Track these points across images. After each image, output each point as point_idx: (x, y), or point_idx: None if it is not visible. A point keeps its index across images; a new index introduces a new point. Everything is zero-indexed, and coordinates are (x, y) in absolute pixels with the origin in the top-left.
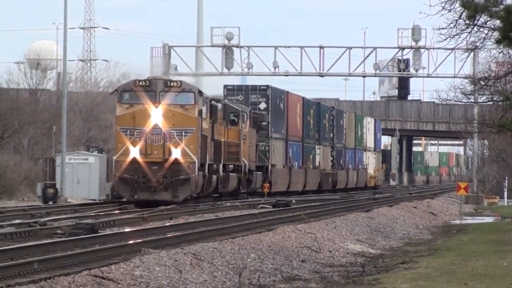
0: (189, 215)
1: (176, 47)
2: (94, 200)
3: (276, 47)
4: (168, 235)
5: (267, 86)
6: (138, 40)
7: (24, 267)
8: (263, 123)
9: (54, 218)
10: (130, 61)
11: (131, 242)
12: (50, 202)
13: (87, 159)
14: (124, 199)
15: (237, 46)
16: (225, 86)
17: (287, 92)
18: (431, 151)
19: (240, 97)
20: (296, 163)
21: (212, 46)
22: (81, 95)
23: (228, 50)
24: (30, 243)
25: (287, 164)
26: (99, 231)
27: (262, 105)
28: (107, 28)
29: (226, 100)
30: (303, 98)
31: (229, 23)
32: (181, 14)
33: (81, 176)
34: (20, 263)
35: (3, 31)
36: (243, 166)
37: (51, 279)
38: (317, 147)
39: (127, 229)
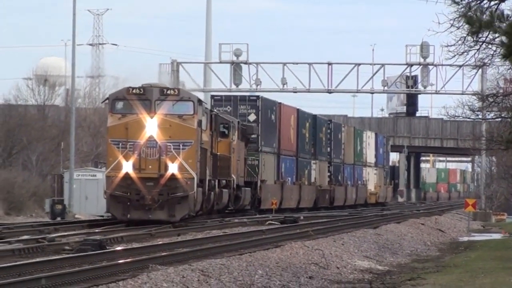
0: (196, 231)
1: (184, 64)
2: (102, 216)
3: (284, 64)
4: (176, 252)
5: (257, 97)
6: (147, 56)
7: (32, 283)
8: (252, 136)
9: (62, 234)
10: (138, 77)
11: (138, 258)
12: (58, 218)
13: (95, 175)
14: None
15: (245, 63)
16: (212, 96)
17: (280, 103)
18: (428, 167)
19: (229, 108)
20: (289, 178)
21: (220, 62)
22: (89, 111)
23: (236, 67)
24: (38, 259)
25: (279, 179)
26: (107, 247)
27: (252, 117)
28: (115, 45)
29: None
30: (298, 110)
31: (237, 40)
32: (190, 31)
33: (89, 192)
34: (28, 279)
35: (12, 47)
36: (232, 181)
37: None
38: (313, 162)
39: (135, 245)
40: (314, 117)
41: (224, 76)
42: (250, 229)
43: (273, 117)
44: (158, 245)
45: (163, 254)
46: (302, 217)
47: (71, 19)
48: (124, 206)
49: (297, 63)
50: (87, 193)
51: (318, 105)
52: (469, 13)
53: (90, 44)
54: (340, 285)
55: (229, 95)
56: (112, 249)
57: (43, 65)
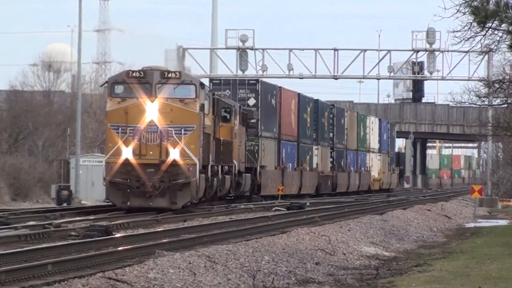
0: (203, 217)
1: (190, 49)
2: (108, 202)
3: (290, 50)
4: (182, 238)
5: (257, 81)
6: (153, 42)
7: (38, 269)
8: (252, 121)
9: (68, 220)
10: (144, 63)
11: (145, 244)
12: (64, 204)
13: (102, 161)
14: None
15: (251, 49)
16: (210, 80)
17: (280, 87)
18: (433, 153)
19: (228, 92)
20: (290, 164)
21: (226, 48)
22: (95, 97)
23: (242, 53)
24: (44, 245)
25: (279, 165)
26: (113, 233)
27: (251, 101)
28: (121, 31)
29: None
30: (299, 94)
31: (243, 25)
32: (196, 17)
33: (96, 178)
34: (34, 265)
35: (19, 33)
36: (234, 167)
37: (65, 282)
38: (314, 147)
39: (141, 231)
40: (316, 101)
41: (230, 62)
42: (256, 215)
43: (273, 101)
44: (164, 231)
45: (169, 240)
46: (308, 203)
47: (77, 5)
48: (123, 193)
49: (303, 49)
50: (93, 179)
51: (324, 91)
52: (475, 3)
53: (96, 30)
54: (346, 271)
55: (227, 79)
56: (118, 235)
57: (50, 51)
